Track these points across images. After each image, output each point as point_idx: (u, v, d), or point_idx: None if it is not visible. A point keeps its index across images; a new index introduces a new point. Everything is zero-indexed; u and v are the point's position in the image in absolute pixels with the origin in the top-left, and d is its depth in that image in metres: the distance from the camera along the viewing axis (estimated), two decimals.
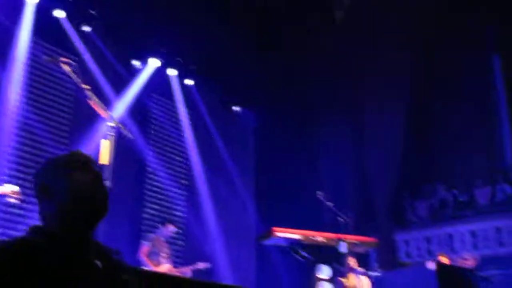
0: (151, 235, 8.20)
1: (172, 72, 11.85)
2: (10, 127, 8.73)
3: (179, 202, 11.73)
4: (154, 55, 11.26)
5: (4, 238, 6.30)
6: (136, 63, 11.21)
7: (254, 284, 12.16)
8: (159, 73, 11.52)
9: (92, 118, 7.99)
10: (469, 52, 14.10)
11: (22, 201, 5.67)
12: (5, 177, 7.95)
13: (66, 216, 1.79)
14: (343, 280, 7.73)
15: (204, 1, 12.16)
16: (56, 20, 9.68)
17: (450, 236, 13.16)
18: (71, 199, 1.80)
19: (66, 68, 4.66)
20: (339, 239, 7.84)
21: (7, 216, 8.34)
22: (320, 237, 7.97)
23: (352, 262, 7.79)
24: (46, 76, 9.54)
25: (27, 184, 6.89)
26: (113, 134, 4.50)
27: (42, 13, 9.38)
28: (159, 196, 11.40)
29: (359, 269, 8.02)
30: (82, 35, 10.04)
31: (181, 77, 12.09)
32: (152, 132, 11.66)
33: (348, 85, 14.20)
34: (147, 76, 11.17)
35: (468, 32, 14.19)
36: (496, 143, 15.12)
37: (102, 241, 1.94)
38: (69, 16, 9.81)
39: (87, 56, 9.93)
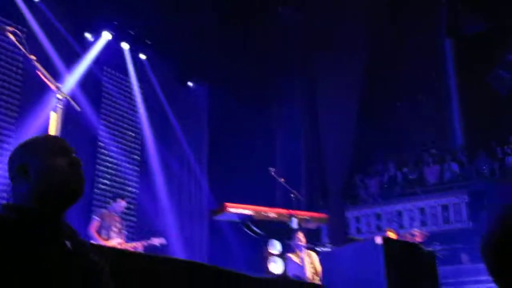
0: (101, 210, 8.12)
1: (125, 46, 11.67)
2: None
3: (131, 177, 11.63)
4: (107, 28, 11.05)
5: None
6: (88, 35, 10.99)
7: (206, 259, 12.22)
8: (112, 47, 11.34)
9: (42, 90, 7.82)
10: (420, 34, 14.33)
11: None
12: None
13: (40, 197, 1.80)
14: (292, 255, 7.82)
15: None
16: None
17: (400, 213, 13.46)
18: (47, 182, 1.81)
19: (12, 38, 4.53)
20: (291, 215, 7.92)
21: None
22: (272, 213, 8.03)
23: (301, 237, 7.88)
24: None
25: None
26: (61, 106, 4.42)
27: None
28: (111, 172, 11.28)
29: (308, 244, 8.12)
30: (32, 5, 9.77)
31: (134, 51, 11.92)
32: (104, 106, 11.48)
33: (302, 64, 14.25)
34: (99, 49, 10.97)
35: (420, 14, 14.40)
36: (446, 124, 15.48)
37: None
38: None
39: (36, 28, 9.67)
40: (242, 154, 12.52)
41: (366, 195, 14.32)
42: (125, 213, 11.02)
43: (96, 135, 11.04)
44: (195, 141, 13.19)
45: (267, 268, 7.58)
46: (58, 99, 4.47)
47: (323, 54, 13.71)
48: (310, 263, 7.77)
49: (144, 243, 8.31)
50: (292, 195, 8.00)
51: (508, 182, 11.81)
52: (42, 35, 9.74)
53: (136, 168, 11.85)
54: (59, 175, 1.83)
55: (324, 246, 9.03)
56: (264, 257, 7.74)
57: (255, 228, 7.88)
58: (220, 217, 8.04)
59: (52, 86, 4.56)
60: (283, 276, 7.38)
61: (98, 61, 11.04)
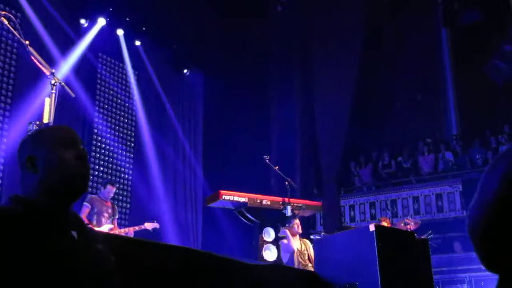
0: (90, 196, 8.06)
1: (120, 32, 11.62)
2: None
3: (125, 164, 11.63)
4: (102, 14, 10.99)
5: None
6: (83, 21, 10.93)
7: (200, 246, 12.25)
8: (107, 33, 11.28)
9: (36, 76, 7.79)
10: (417, 24, 14.32)
11: None
12: None
13: (47, 190, 1.80)
14: (286, 242, 7.84)
15: None
16: None
17: (394, 201, 13.50)
18: (54, 175, 1.81)
19: (6, 22, 4.50)
20: (285, 203, 7.94)
21: None
22: (266, 200, 8.03)
23: (295, 225, 7.90)
24: None
25: None
26: (54, 91, 4.40)
27: None
28: (106, 158, 11.27)
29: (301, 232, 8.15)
30: None
31: (130, 37, 11.87)
32: (99, 92, 11.45)
33: (299, 52, 14.25)
34: (94, 35, 10.92)
35: (418, 2, 14.39)
36: (441, 114, 15.52)
37: None
38: None
39: (31, 13, 9.60)
40: (237, 142, 12.53)
41: (361, 184, 14.36)
42: (119, 200, 11.04)
43: (91, 122, 11.02)
44: (190, 128, 13.19)
45: (261, 255, 7.60)
46: (53, 85, 4.45)
47: (320, 45, 13.70)
48: (305, 250, 7.80)
49: (137, 228, 8.31)
50: (286, 183, 8.01)
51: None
52: (36, 20, 9.68)
53: (131, 155, 11.84)
54: (66, 169, 1.83)
55: (318, 234, 9.06)
56: (258, 244, 7.76)
57: (249, 216, 7.90)
58: (214, 205, 8.04)
59: (47, 72, 4.54)
60: (277, 263, 7.41)
61: (93, 47, 11.00)
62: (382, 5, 13.80)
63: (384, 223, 8.91)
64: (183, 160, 12.87)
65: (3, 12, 4.51)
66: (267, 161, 8.09)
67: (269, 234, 7.82)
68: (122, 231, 8.01)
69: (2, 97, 9.40)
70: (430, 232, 9.24)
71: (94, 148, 11.06)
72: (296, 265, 7.58)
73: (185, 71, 13.28)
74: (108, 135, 11.30)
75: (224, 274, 3.88)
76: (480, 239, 1.20)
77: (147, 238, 8.08)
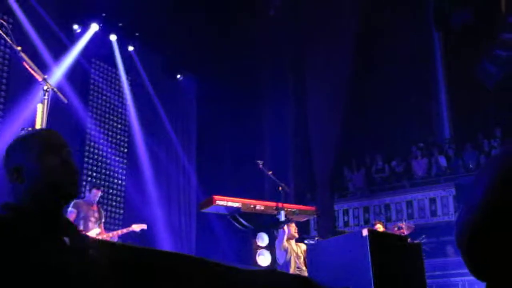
0: (75, 201, 7.93)
1: (113, 38, 11.61)
2: None
3: (119, 169, 11.60)
4: (95, 19, 10.98)
5: None
6: (76, 27, 10.92)
7: (194, 251, 12.23)
8: (100, 38, 11.27)
9: (28, 82, 7.75)
10: (409, 25, 14.35)
11: None
12: None
13: (36, 198, 1.80)
14: (280, 247, 7.84)
15: None
16: None
17: (387, 205, 13.53)
18: (41, 184, 1.81)
19: None
20: (279, 208, 7.92)
21: None
22: (260, 205, 8.01)
23: (292, 230, 7.91)
24: None
25: None
26: (47, 97, 4.39)
27: None
28: (99, 164, 11.24)
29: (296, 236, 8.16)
30: None
31: (123, 43, 11.86)
32: (92, 98, 11.42)
33: (290, 57, 14.26)
34: (87, 40, 10.91)
35: (410, 5, 14.43)
36: (433, 118, 15.56)
37: None
38: None
39: (23, 18, 9.58)
40: (230, 147, 12.53)
41: (354, 188, 14.38)
42: (113, 206, 11.01)
43: (84, 127, 10.99)
44: (184, 133, 13.18)
45: (255, 260, 7.59)
46: (45, 91, 4.44)
47: (312, 50, 13.72)
48: (301, 253, 7.81)
49: (125, 230, 8.25)
50: (280, 188, 8.00)
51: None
52: (29, 26, 9.66)
53: (124, 160, 11.82)
54: (52, 176, 1.82)
55: (312, 238, 9.05)
56: (252, 249, 7.74)
57: (243, 221, 7.87)
58: (208, 210, 8.01)
59: (39, 78, 4.52)
60: (271, 268, 7.40)
61: (86, 53, 10.98)
62: (374, 9, 13.82)
63: (379, 227, 8.92)
64: (176, 165, 12.85)
65: None
66: (261, 166, 8.08)
67: (262, 239, 7.79)
68: (110, 235, 7.95)
69: None
70: (423, 236, 9.26)
71: (87, 153, 11.03)
72: (292, 268, 7.59)
73: (178, 76, 13.29)
74: (101, 141, 11.27)
75: (218, 279, 3.87)
76: (467, 244, 1.21)
77: (139, 244, 8.08)
